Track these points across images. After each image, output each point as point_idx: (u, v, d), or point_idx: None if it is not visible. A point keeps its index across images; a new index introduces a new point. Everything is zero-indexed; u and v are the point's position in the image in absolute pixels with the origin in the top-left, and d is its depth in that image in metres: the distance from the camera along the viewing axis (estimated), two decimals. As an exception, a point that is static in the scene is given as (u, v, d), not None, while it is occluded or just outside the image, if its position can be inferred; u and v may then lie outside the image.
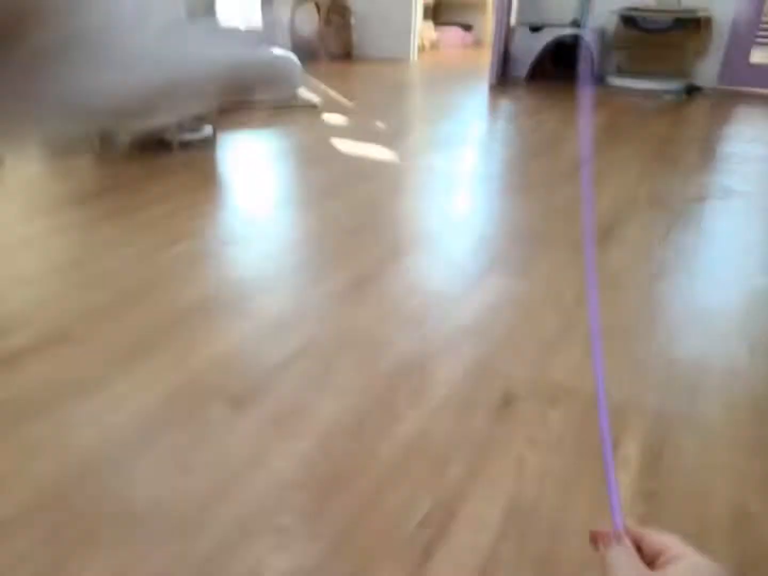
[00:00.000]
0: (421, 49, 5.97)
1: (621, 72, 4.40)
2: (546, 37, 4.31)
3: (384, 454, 1.00)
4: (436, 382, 1.19)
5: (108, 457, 0.92)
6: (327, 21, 5.25)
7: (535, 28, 4.35)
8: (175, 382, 1.16)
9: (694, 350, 1.31)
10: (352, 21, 5.47)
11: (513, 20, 4.57)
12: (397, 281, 1.57)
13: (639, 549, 0.39)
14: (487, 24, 6.67)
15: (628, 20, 4.24)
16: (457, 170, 2.51)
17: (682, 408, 1.13)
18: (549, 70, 4.49)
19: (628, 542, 0.39)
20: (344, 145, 2.81)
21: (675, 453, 1.02)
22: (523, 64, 4.48)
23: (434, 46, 6.59)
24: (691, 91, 4.07)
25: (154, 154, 2.58)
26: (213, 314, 1.40)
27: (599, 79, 4.40)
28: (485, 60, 4.57)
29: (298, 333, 1.34)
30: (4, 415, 1.07)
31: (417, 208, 2.11)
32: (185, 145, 2.70)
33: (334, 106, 3.60)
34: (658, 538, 0.39)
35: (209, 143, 2.76)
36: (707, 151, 2.84)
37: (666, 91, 4.02)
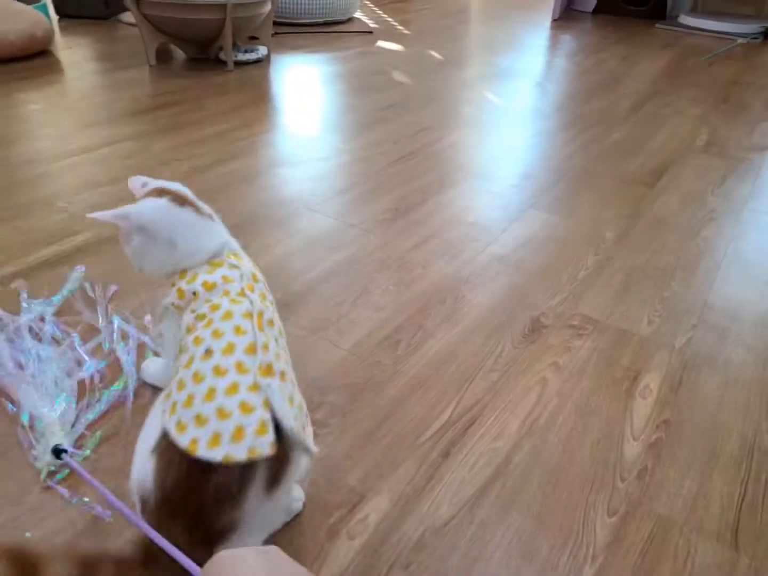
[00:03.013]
0: (485, -23, 5.69)
1: (696, 10, 4.13)
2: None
3: (413, 366, 1.06)
4: (468, 305, 1.23)
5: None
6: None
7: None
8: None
9: (730, 296, 1.31)
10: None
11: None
12: (440, 211, 1.60)
13: None
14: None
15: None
16: (510, 105, 2.46)
17: (708, 349, 1.15)
18: (617, 4, 4.25)
19: None
20: (397, 73, 2.77)
21: (693, 388, 1.05)
22: (590, -3, 4.26)
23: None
24: (770, 34, 3.81)
25: (210, 72, 2.61)
26: (259, 230, 1.46)
27: (671, 18, 4.15)
28: (551, -9, 4.34)
29: (340, 252, 1.39)
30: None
31: (466, 141, 2.09)
32: (240, 65, 2.72)
33: (389, 34, 3.52)
34: None
35: (263, 64, 2.77)
36: (778, 100, 2.69)
37: (742, 34, 3.77)
